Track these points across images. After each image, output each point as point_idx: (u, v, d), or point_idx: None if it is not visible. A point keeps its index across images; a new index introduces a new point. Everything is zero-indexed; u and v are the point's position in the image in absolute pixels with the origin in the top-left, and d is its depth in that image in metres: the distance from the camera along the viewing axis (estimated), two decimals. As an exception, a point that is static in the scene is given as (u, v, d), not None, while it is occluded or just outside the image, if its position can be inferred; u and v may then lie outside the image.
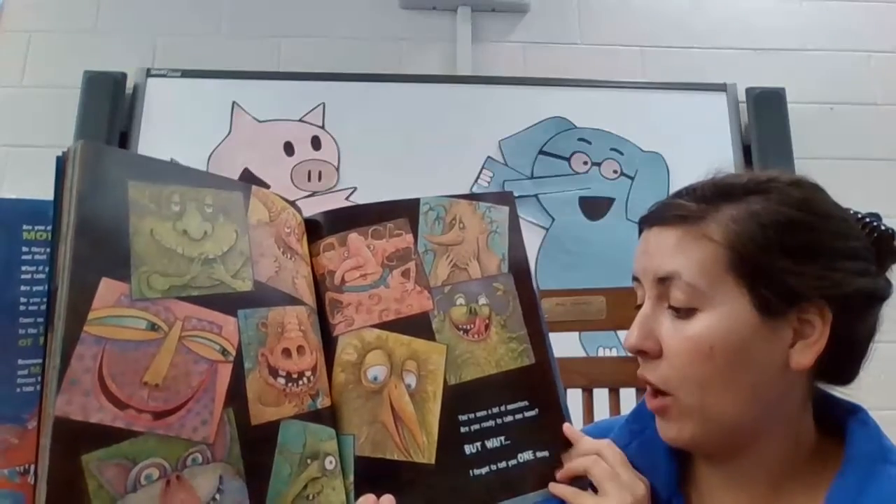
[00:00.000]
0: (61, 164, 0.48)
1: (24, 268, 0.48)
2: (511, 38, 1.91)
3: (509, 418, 0.63)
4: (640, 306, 0.61)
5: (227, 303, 0.53)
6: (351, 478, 0.57)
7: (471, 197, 0.70)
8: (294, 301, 0.58)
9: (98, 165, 0.49)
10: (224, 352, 0.51)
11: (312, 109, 1.79)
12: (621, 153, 1.81)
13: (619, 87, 1.85)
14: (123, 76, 1.74)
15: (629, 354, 0.60)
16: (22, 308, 0.47)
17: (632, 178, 1.79)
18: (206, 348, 0.51)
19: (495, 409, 0.62)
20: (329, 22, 1.88)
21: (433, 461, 0.59)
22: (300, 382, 0.55)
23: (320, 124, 1.78)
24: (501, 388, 0.63)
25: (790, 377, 0.56)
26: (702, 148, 1.75)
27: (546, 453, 0.63)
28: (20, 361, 0.46)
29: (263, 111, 1.78)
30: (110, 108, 1.70)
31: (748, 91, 1.83)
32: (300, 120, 1.78)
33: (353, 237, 0.64)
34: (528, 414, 0.63)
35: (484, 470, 0.60)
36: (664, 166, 1.80)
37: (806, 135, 1.80)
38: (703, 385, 0.55)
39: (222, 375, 0.51)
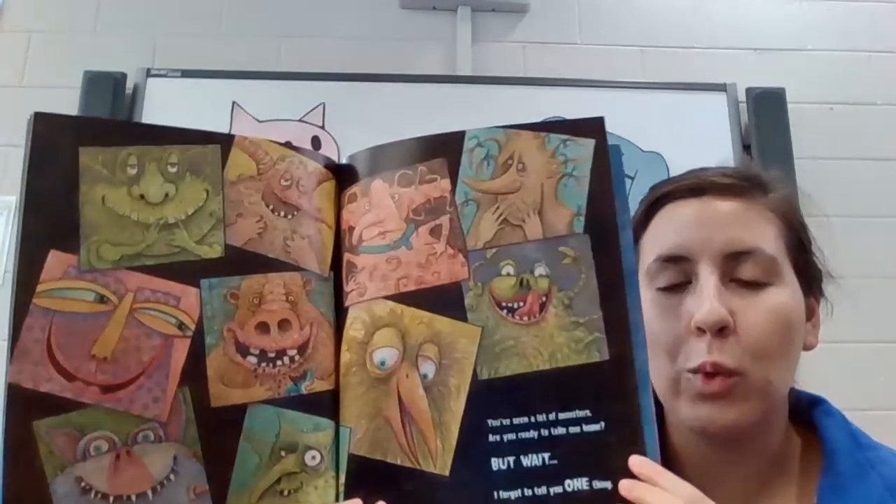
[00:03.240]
0: None
1: None
2: (511, 38, 1.91)
3: (560, 430, 0.47)
4: (673, 287, 0.57)
5: (188, 272, 0.49)
6: (343, 477, 0.48)
7: (539, 127, 0.52)
8: (282, 266, 0.51)
9: (48, 135, 0.50)
10: (181, 326, 0.48)
11: (312, 109, 1.79)
12: (621, 153, 1.80)
13: (619, 87, 1.85)
14: (123, 76, 1.74)
15: None
16: None
17: (632, 178, 1.79)
18: (159, 322, 0.48)
19: (541, 417, 0.48)
20: (329, 22, 1.87)
21: (447, 473, 0.47)
22: (279, 363, 0.49)
23: (320, 124, 1.78)
24: (554, 389, 0.48)
25: None
26: (702, 148, 1.75)
27: (608, 484, 0.46)
28: None
29: (263, 111, 1.78)
30: (110, 108, 1.69)
31: (748, 91, 1.82)
32: (300, 120, 1.78)
33: (377, 184, 0.52)
34: (588, 428, 0.47)
35: (514, 493, 0.46)
36: (664, 166, 1.79)
37: (806, 135, 1.80)
38: (776, 360, 0.54)
39: (178, 351, 0.48)
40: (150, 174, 0.51)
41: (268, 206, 0.52)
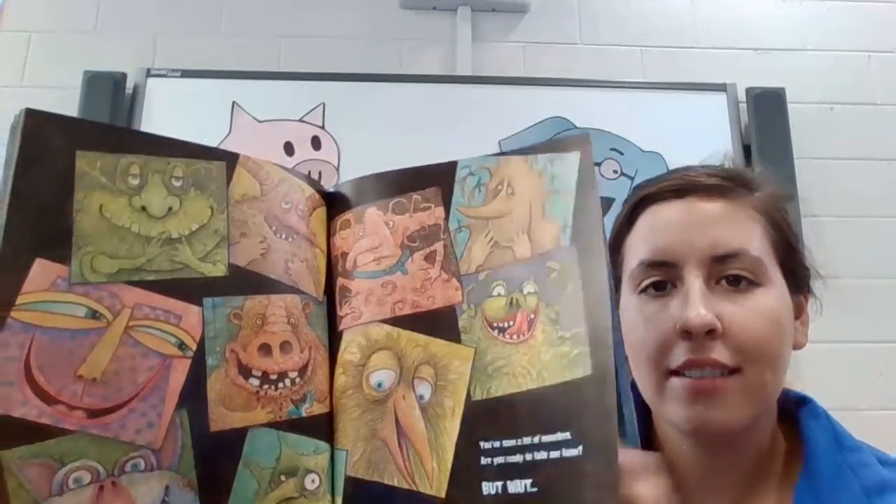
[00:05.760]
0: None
1: None
2: (511, 38, 1.91)
3: (541, 455, 0.44)
4: (658, 291, 0.56)
5: (191, 289, 0.46)
6: (339, 501, 0.48)
7: (527, 151, 0.52)
8: (283, 288, 0.50)
9: (40, 134, 0.45)
10: (181, 345, 0.45)
11: (312, 109, 1.79)
12: (621, 153, 1.81)
13: (619, 87, 1.85)
14: (123, 76, 1.74)
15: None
16: None
17: (632, 178, 1.79)
18: (158, 341, 0.44)
19: (527, 440, 0.44)
20: (329, 22, 1.88)
21: (442, 495, 0.46)
22: (280, 385, 0.48)
23: (320, 124, 1.78)
24: (540, 409, 0.45)
25: None
26: (702, 148, 1.73)
27: None
28: None
29: (263, 111, 1.78)
30: (110, 108, 1.69)
31: (748, 91, 1.83)
32: (300, 120, 1.78)
33: (371, 212, 0.53)
34: (567, 452, 0.43)
35: None
36: (664, 166, 1.79)
37: (806, 135, 1.80)
38: (769, 361, 0.54)
39: (177, 372, 0.44)
40: (153, 186, 0.48)
41: (270, 227, 0.51)
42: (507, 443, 0.45)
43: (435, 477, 0.46)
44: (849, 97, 1.88)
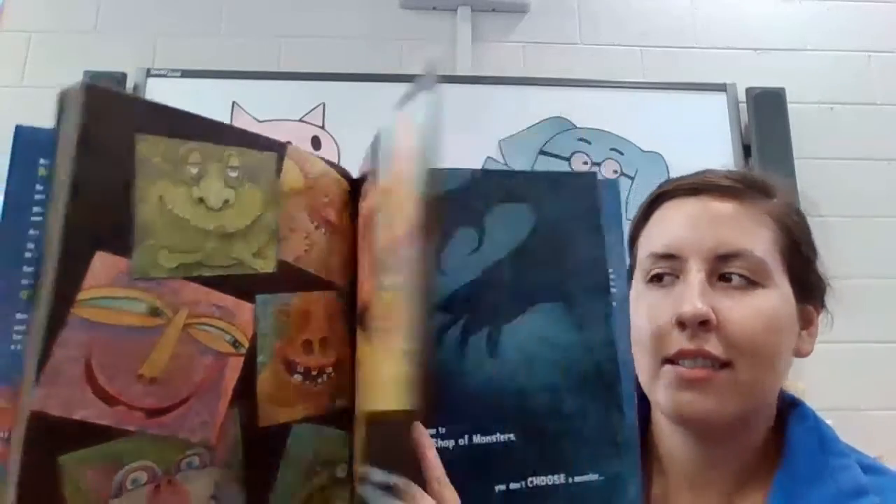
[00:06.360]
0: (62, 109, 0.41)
1: (35, 209, 0.41)
2: (511, 38, 1.91)
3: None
4: (662, 283, 0.58)
5: (245, 286, 0.45)
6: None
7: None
8: (323, 284, 0.49)
9: (102, 114, 0.41)
10: (236, 343, 0.44)
11: (312, 109, 1.79)
12: (621, 153, 1.81)
13: (618, 88, 1.85)
14: (123, 76, 1.74)
15: None
16: (28, 255, 0.40)
17: (632, 179, 1.79)
18: (214, 339, 0.43)
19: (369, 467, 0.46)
20: (329, 22, 1.88)
21: None
22: (319, 380, 0.48)
23: (320, 124, 1.78)
24: (373, 440, 0.46)
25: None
26: (702, 148, 1.75)
27: None
28: (18, 315, 0.40)
29: (263, 111, 1.77)
30: (110, 108, 1.69)
31: (748, 91, 1.83)
32: (300, 120, 1.78)
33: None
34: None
35: None
36: (664, 166, 1.79)
37: (806, 135, 1.80)
38: (765, 359, 0.55)
39: (231, 370, 0.44)
40: (211, 176, 0.45)
41: (312, 222, 0.50)
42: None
43: None
44: (849, 97, 1.88)
